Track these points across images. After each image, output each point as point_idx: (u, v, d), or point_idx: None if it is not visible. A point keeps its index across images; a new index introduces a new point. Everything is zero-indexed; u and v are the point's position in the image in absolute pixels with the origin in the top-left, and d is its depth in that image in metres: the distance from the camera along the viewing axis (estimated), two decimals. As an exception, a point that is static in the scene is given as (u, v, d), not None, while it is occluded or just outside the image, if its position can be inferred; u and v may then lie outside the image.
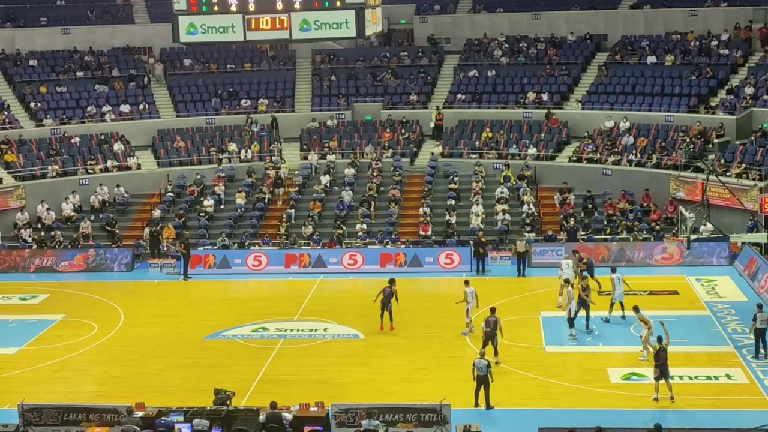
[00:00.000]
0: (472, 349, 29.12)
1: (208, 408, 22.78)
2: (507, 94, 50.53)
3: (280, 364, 28.71)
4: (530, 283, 36.70)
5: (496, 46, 53.26)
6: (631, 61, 50.04)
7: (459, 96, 50.79)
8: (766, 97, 44.28)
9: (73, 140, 48.10)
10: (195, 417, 22.11)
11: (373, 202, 43.75)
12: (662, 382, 24.86)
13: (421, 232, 41.64)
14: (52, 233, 42.40)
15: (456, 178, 44.95)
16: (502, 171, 45.15)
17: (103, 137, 48.67)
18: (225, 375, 27.30)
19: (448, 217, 42.20)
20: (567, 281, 30.77)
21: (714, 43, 49.25)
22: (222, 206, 44.95)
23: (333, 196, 44.91)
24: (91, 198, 45.19)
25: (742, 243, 37.49)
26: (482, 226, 40.99)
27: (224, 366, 28.65)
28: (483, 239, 38.72)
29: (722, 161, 41.54)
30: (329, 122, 50.26)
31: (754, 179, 39.52)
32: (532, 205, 42.29)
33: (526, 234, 40.43)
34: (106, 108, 50.53)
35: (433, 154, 47.38)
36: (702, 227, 38.15)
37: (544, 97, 49.38)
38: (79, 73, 52.64)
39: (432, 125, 49.48)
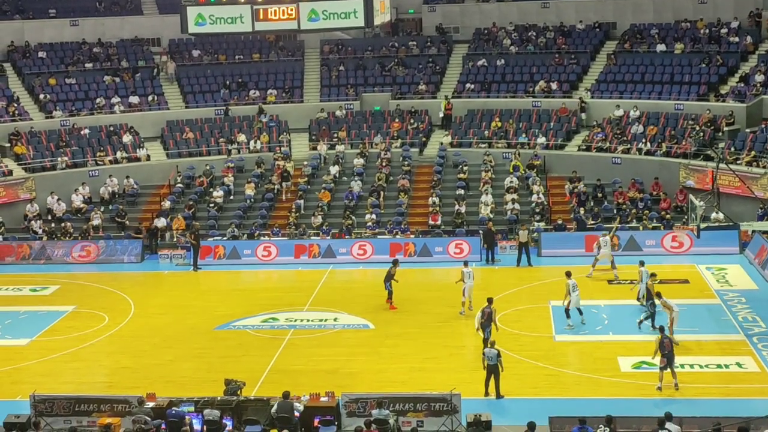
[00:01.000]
0: (481, 338, 29.12)
1: (218, 398, 22.84)
2: (516, 83, 50.41)
3: (290, 355, 28.75)
4: (540, 272, 36.67)
5: (505, 35, 53.12)
6: (640, 50, 49.86)
7: (468, 85, 50.70)
8: (776, 84, 44.14)
9: (82, 132, 48.18)
10: (206, 407, 22.16)
11: (382, 192, 43.73)
12: (667, 371, 24.81)
13: (431, 222, 41.63)
14: (63, 225, 42.51)
15: (465, 168, 44.89)
16: (511, 160, 45.08)
17: (112, 129, 48.74)
18: (235, 365, 27.35)
19: (457, 206, 42.17)
20: (568, 274, 30.52)
21: (724, 30, 49.04)
22: (231, 197, 44.99)
23: (342, 186, 44.90)
24: (101, 189, 45.28)
25: (753, 231, 37.39)
26: (492, 216, 40.94)
27: (234, 356, 28.71)
28: (492, 229, 38.67)
29: (732, 149, 41.41)
30: (338, 112, 50.23)
31: (764, 167, 39.38)
32: (541, 195, 42.23)
33: (535, 223, 40.37)
34: (115, 99, 50.58)
35: (442, 143, 47.32)
36: (712, 215, 38.05)
37: (554, 86, 49.27)
38: (88, 65, 52.69)
39: (441, 115, 49.41)
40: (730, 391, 24.91)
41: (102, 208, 44.10)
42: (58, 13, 55.56)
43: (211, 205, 44.02)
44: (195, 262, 39.10)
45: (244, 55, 54.07)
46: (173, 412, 21.89)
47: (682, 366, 26.24)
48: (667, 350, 24.70)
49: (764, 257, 35.40)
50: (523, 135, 46.75)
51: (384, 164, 45.65)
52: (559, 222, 40.26)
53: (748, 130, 42.39)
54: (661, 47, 49.34)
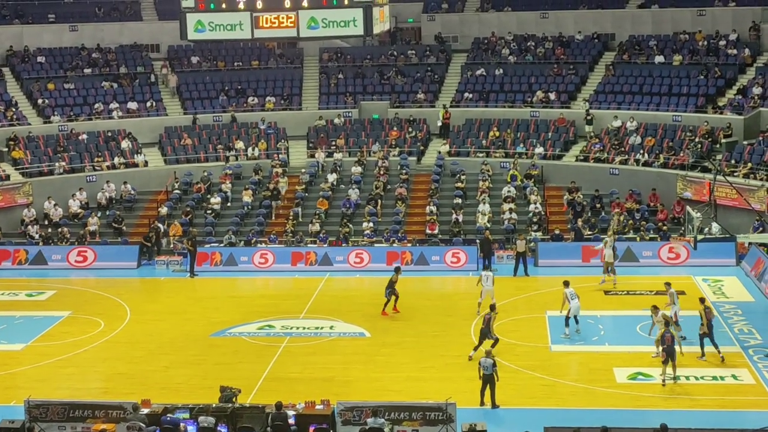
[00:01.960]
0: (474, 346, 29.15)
1: (213, 405, 22.79)
2: (514, 93, 50.48)
3: (286, 362, 28.72)
4: (536, 282, 36.67)
5: (504, 45, 53.21)
6: (638, 61, 49.97)
7: (466, 95, 50.76)
8: (774, 97, 44.23)
9: (80, 137, 48.17)
10: (201, 414, 22.11)
11: (379, 201, 43.74)
12: (668, 365, 25.54)
13: (428, 231, 41.63)
14: (59, 230, 42.47)
15: (463, 177, 44.91)
16: (509, 170, 45.12)
17: (110, 134, 48.74)
18: (231, 372, 27.32)
19: (454, 215, 42.18)
20: (566, 283, 30.55)
21: (722, 42, 49.15)
22: (229, 204, 44.98)
23: (340, 194, 44.90)
24: (98, 195, 45.27)
25: (749, 243, 37.41)
26: (489, 225, 40.94)
27: (230, 363, 28.67)
28: (490, 238, 38.68)
29: (730, 161, 41.46)
30: (336, 120, 50.27)
31: (761, 179, 39.44)
32: (538, 205, 42.24)
33: (532, 233, 40.38)
34: (114, 105, 50.59)
35: (440, 152, 47.36)
36: (711, 228, 38.05)
37: (552, 96, 49.35)
38: (87, 70, 52.72)
39: (439, 124, 49.45)
40: (726, 403, 24.92)
41: (99, 214, 44.06)
42: (57, 18, 55.60)
43: (209, 211, 44.01)
44: (192, 269, 39.06)
45: (243, 62, 54.14)
46: (168, 418, 21.87)
47: (677, 378, 26.28)
48: (667, 344, 25.52)
49: (761, 269, 35.43)
50: (521, 145, 46.79)
51: (382, 172, 45.67)
52: (557, 232, 40.28)
53: (745, 143, 42.46)
54: (659, 59, 49.43)
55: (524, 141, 46.96)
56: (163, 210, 43.62)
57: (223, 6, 32.05)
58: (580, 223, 40.36)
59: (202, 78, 52.97)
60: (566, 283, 30.44)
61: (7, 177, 44.74)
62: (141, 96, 51.49)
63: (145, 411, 22.39)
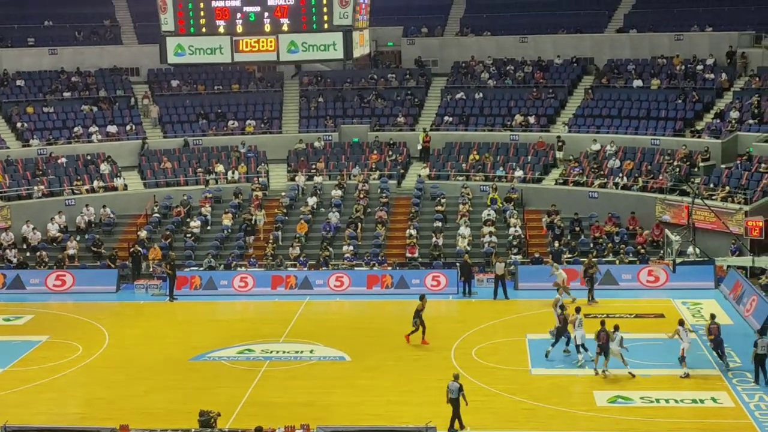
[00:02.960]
0: (458, 371, 29.13)
1: (193, 430, 22.66)
2: (494, 116, 50.71)
3: (265, 387, 28.60)
4: (516, 305, 36.70)
5: (483, 69, 53.48)
6: (617, 85, 50.32)
7: (446, 118, 50.94)
8: (751, 121, 44.56)
9: (59, 160, 48.00)
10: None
11: (360, 224, 43.75)
12: (603, 360, 28.22)
13: (408, 254, 41.65)
14: (38, 254, 42.23)
15: (443, 200, 45.00)
16: (488, 193, 45.24)
17: (89, 158, 48.59)
18: (210, 397, 27.16)
19: (434, 239, 42.22)
20: (578, 309, 30.54)
21: (699, 67, 49.57)
22: (209, 227, 44.87)
23: (320, 218, 44.88)
24: (77, 218, 45.06)
25: (728, 266, 37.62)
26: (469, 249, 41.01)
27: (209, 388, 28.52)
28: (469, 261, 38.71)
29: (708, 185, 41.73)
30: (316, 144, 50.31)
31: (739, 203, 39.69)
32: (518, 228, 42.35)
33: (512, 256, 40.44)
34: (93, 128, 50.48)
35: (420, 176, 47.45)
36: (689, 250, 38.26)
37: (531, 120, 49.58)
38: (66, 94, 52.62)
39: (419, 147, 49.59)
40: (705, 426, 24.98)
41: (78, 238, 43.84)
42: (36, 41, 55.53)
43: (188, 235, 43.87)
44: (171, 293, 38.90)
45: (223, 86, 54.16)
46: (147, 444, 21.71)
47: (657, 401, 26.35)
48: (601, 341, 28.08)
49: (739, 292, 35.59)
50: (501, 168, 46.94)
51: (362, 196, 45.70)
52: (536, 255, 40.36)
53: (723, 166, 42.75)
54: (637, 83, 49.79)
55: (504, 164, 47.11)
56: (143, 234, 43.45)
57: (203, 30, 32.18)
58: (557, 245, 40.44)
59: (182, 101, 52.96)
60: (578, 310, 30.40)
61: (-14, 200, 44.53)
62: (120, 119, 51.41)
63: (124, 436, 22.25)
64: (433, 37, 56.28)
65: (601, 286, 37.30)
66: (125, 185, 47.54)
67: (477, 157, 47.82)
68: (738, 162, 42.38)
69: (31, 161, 47.79)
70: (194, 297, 39.22)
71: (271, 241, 42.72)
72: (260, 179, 47.51)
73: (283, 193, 46.77)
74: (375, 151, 49.34)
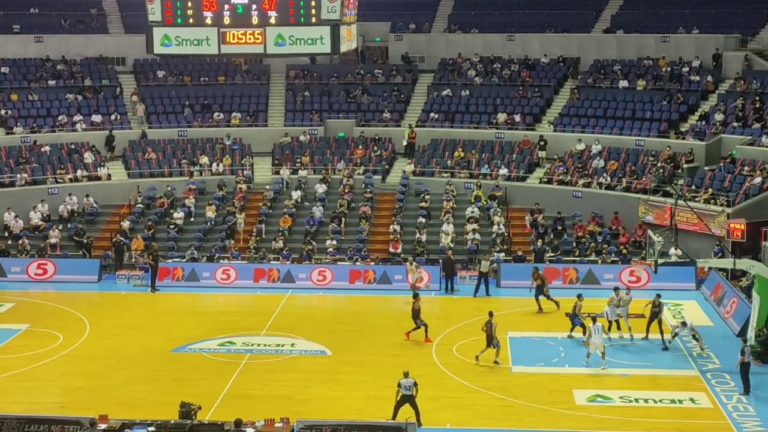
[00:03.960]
0: (439, 367, 29.21)
1: (172, 421, 22.63)
2: (480, 114, 50.77)
3: (246, 379, 28.58)
4: (498, 302, 36.72)
5: (470, 66, 53.53)
6: (603, 85, 50.45)
7: (432, 115, 50.98)
8: (735, 124, 44.76)
9: (43, 149, 47.78)
10: (159, 430, 21.96)
11: (343, 219, 43.74)
12: (490, 349, 29.35)
13: (391, 250, 41.67)
14: (19, 242, 42.05)
15: (427, 197, 45.04)
16: (473, 191, 45.29)
17: (73, 147, 48.38)
18: (191, 389, 27.09)
19: (418, 235, 42.25)
20: (594, 318, 30.16)
21: (685, 69, 49.76)
22: (192, 219, 44.78)
23: (304, 212, 44.84)
24: (60, 207, 44.87)
25: (709, 268, 37.79)
26: (452, 245, 41.05)
27: (190, 379, 28.48)
28: (452, 258, 38.76)
29: (691, 186, 41.90)
30: (302, 137, 50.27)
31: (721, 205, 39.86)
32: (502, 226, 42.43)
33: (495, 254, 40.51)
34: (78, 117, 50.28)
35: (404, 172, 47.48)
36: (671, 251, 38.40)
37: (517, 118, 49.67)
38: (51, 82, 52.39)
39: (404, 143, 49.62)
40: (684, 427, 25.10)
41: (60, 227, 43.68)
42: (22, 29, 55.24)
43: (171, 226, 43.77)
44: (153, 284, 38.82)
45: (209, 77, 54.02)
46: (126, 434, 21.68)
47: (636, 400, 26.48)
48: (488, 332, 29.22)
49: (720, 294, 35.76)
50: (486, 166, 47.02)
51: (346, 191, 45.69)
52: (519, 253, 40.45)
53: (706, 168, 42.93)
54: (623, 83, 49.94)
55: (489, 162, 47.19)
56: (126, 224, 43.31)
57: (191, 21, 32.06)
58: (540, 244, 40.54)
59: (168, 92, 52.78)
60: (594, 319, 30.17)
61: (-32, 188, 44.30)
62: (105, 109, 51.21)
63: (103, 426, 22.23)
64: (420, 33, 56.29)
65: (583, 285, 37.44)
66: (109, 175, 47.35)
67: (462, 154, 47.86)
68: (721, 164, 42.56)
69: (14, 149, 47.54)
70: (176, 288, 39.13)
71: (254, 233, 42.66)
72: (245, 172, 47.43)
73: (267, 187, 46.71)
74: (360, 146, 49.33)
